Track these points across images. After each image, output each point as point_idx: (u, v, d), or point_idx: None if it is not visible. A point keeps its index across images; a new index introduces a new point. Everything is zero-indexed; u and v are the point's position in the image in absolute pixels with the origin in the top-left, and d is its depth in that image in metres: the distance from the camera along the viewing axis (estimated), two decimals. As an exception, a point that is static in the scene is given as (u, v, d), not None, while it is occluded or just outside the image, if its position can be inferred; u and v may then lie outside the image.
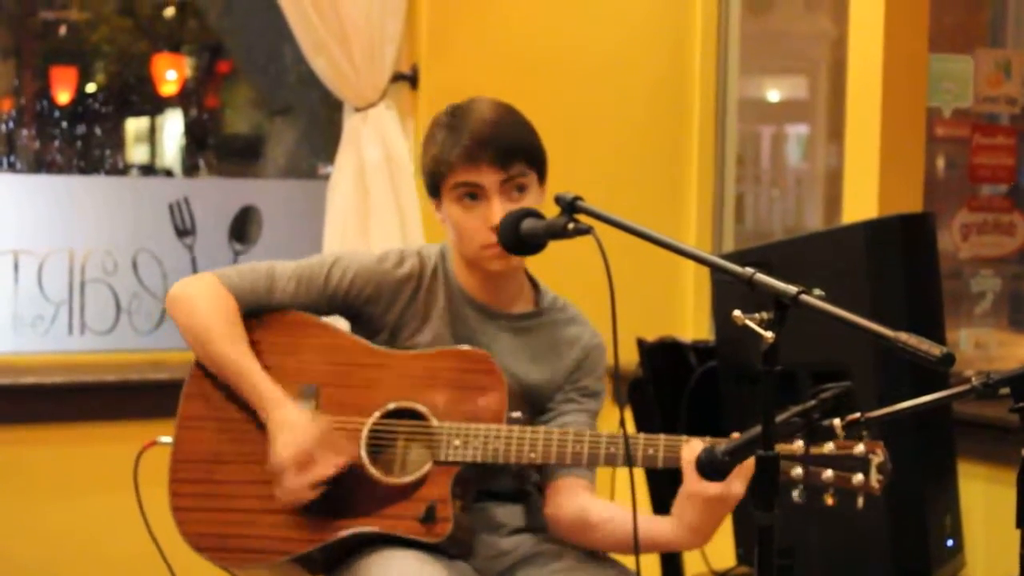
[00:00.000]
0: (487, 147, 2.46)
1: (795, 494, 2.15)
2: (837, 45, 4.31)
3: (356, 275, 2.57)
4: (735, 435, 2.25)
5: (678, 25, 4.49)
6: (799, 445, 2.18)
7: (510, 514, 2.61)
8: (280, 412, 2.46)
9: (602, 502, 2.53)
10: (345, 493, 2.47)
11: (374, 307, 2.59)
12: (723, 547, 3.26)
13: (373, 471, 2.47)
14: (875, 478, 2.17)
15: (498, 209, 2.45)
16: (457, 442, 2.44)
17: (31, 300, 4.22)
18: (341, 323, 2.71)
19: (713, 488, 2.23)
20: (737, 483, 2.23)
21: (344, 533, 2.47)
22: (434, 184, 2.54)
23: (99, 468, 3.70)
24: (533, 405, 2.61)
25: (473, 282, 2.59)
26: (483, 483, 2.57)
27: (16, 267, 4.21)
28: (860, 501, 2.18)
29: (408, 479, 2.46)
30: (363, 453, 2.47)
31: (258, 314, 2.58)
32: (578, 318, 2.67)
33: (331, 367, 2.54)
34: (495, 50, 4.22)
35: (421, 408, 2.49)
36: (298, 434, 2.44)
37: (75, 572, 3.94)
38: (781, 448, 2.13)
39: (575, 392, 2.63)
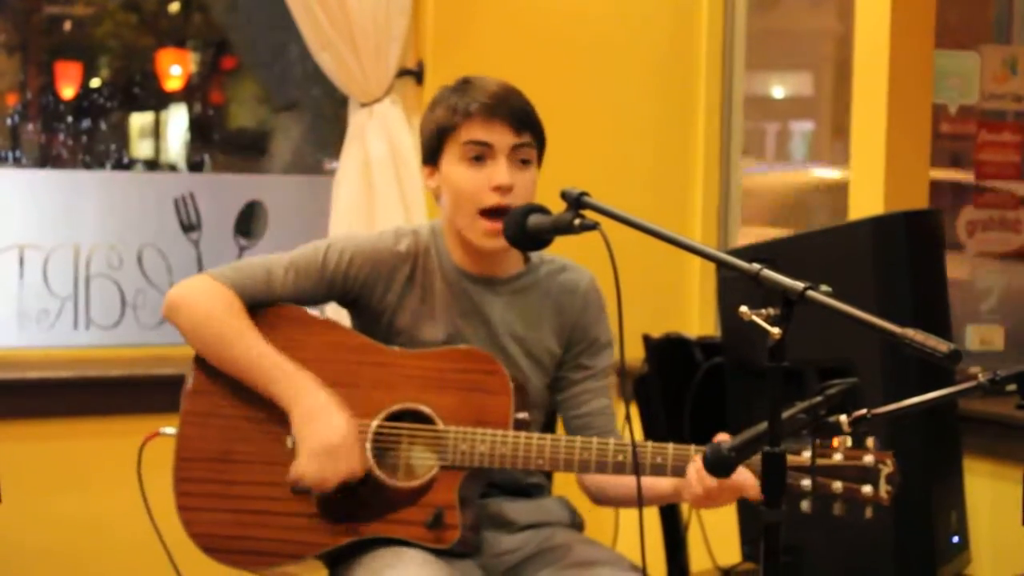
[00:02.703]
0: (504, 107, 2.47)
1: (804, 504, 2.15)
2: (843, 42, 4.30)
3: (353, 255, 2.55)
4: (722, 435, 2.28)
5: (684, 22, 4.49)
6: (807, 456, 2.17)
7: (517, 510, 2.61)
8: (319, 395, 2.43)
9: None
10: (351, 496, 2.46)
11: (373, 288, 2.56)
12: (728, 544, 3.26)
13: (380, 474, 2.46)
14: (884, 489, 2.17)
15: (504, 171, 2.45)
16: (464, 447, 2.43)
17: (36, 295, 4.22)
18: (339, 314, 2.70)
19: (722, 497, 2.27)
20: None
21: (351, 538, 2.46)
22: (439, 143, 2.51)
23: (105, 462, 3.70)
24: (544, 371, 2.61)
25: (466, 256, 2.57)
26: (491, 477, 2.57)
27: (21, 262, 4.21)
28: (869, 511, 2.18)
29: (415, 483, 2.45)
30: (370, 456, 2.46)
31: (258, 311, 2.54)
32: (568, 264, 2.66)
33: (335, 365, 2.51)
34: (501, 45, 4.22)
35: (427, 410, 2.47)
36: (348, 426, 2.42)
37: (82, 566, 3.94)
38: (790, 460, 2.13)
39: (584, 355, 2.62)
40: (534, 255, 2.64)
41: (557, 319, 2.61)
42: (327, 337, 2.55)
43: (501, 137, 2.47)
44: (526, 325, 2.59)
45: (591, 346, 2.63)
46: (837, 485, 2.17)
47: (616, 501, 2.59)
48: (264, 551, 2.50)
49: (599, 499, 2.62)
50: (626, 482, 2.44)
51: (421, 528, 2.43)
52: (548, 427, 2.70)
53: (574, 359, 2.63)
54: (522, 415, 2.48)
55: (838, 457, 2.19)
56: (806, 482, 2.17)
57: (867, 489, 2.17)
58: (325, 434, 2.41)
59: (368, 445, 2.46)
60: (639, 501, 2.30)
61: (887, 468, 2.18)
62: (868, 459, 2.17)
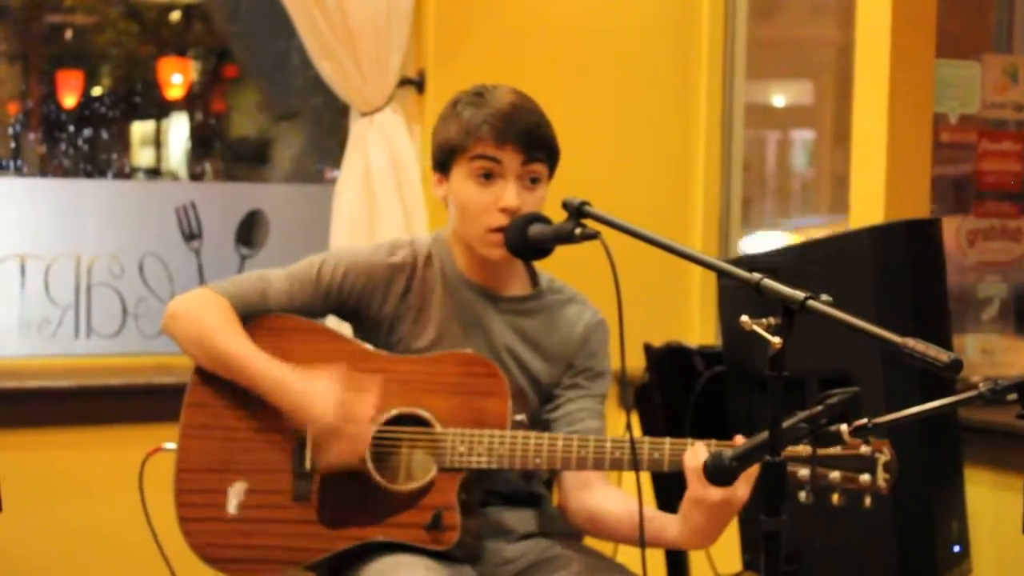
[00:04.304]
0: (516, 128, 2.46)
1: (802, 495, 2.15)
2: (843, 51, 4.30)
3: (347, 269, 2.56)
4: (739, 438, 2.27)
5: (684, 31, 4.50)
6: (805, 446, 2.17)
7: (518, 519, 2.61)
8: (299, 385, 2.44)
9: (613, 495, 2.52)
10: (351, 501, 2.47)
11: (369, 300, 2.57)
12: (729, 552, 3.25)
13: (379, 478, 2.46)
14: (882, 477, 2.17)
15: (513, 192, 2.45)
16: (462, 448, 2.44)
17: (38, 304, 4.23)
18: (342, 327, 2.70)
19: (716, 494, 2.22)
20: (741, 487, 2.23)
21: (352, 543, 2.47)
22: (448, 155, 2.51)
23: (106, 471, 3.70)
24: (539, 391, 2.61)
25: (471, 265, 2.58)
26: (491, 485, 2.57)
27: (23, 271, 4.22)
28: (868, 500, 2.18)
29: (413, 486, 2.46)
30: (369, 461, 2.47)
31: (254, 320, 2.55)
32: (577, 297, 2.67)
33: None
34: (502, 56, 4.23)
35: (424, 414, 2.48)
36: (329, 394, 2.42)
37: (83, 575, 3.94)
38: (788, 450, 2.13)
39: (581, 376, 2.63)
40: (544, 282, 2.65)
41: (557, 348, 2.62)
42: (322, 345, 2.55)
43: (511, 158, 2.46)
44: (525, 346, 2.60)
45: (589, 371, 2.63)
46: (835, 475, 2.17)
47: (613, 535, 2.55)
48: (265, 559, 2.51)
49: (587, 529, 2.59)
50: (624, 527, 2.43)
51: (420, 531, 2.44)
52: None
53: (571, 379, 2.63)
54: (519, 417, 2.49)
55: (835, 447, 2.19)
56: (804, 472, 2.18)
57: (865, 478, 2.17)
58: (319, 422, 2.42)
59: (367, 450, 2.46)
60: (639, 504, 2.30)
61: (884, 456, 2.18)
62: (865, 448, 2.17)
